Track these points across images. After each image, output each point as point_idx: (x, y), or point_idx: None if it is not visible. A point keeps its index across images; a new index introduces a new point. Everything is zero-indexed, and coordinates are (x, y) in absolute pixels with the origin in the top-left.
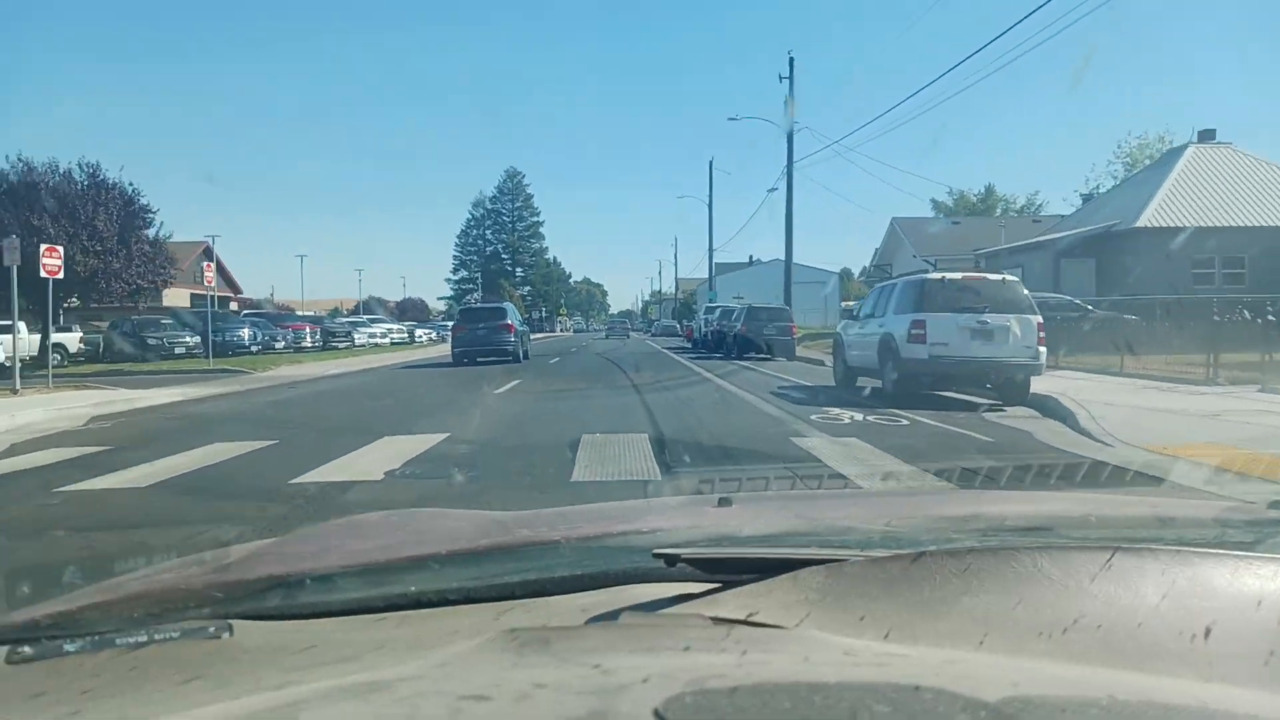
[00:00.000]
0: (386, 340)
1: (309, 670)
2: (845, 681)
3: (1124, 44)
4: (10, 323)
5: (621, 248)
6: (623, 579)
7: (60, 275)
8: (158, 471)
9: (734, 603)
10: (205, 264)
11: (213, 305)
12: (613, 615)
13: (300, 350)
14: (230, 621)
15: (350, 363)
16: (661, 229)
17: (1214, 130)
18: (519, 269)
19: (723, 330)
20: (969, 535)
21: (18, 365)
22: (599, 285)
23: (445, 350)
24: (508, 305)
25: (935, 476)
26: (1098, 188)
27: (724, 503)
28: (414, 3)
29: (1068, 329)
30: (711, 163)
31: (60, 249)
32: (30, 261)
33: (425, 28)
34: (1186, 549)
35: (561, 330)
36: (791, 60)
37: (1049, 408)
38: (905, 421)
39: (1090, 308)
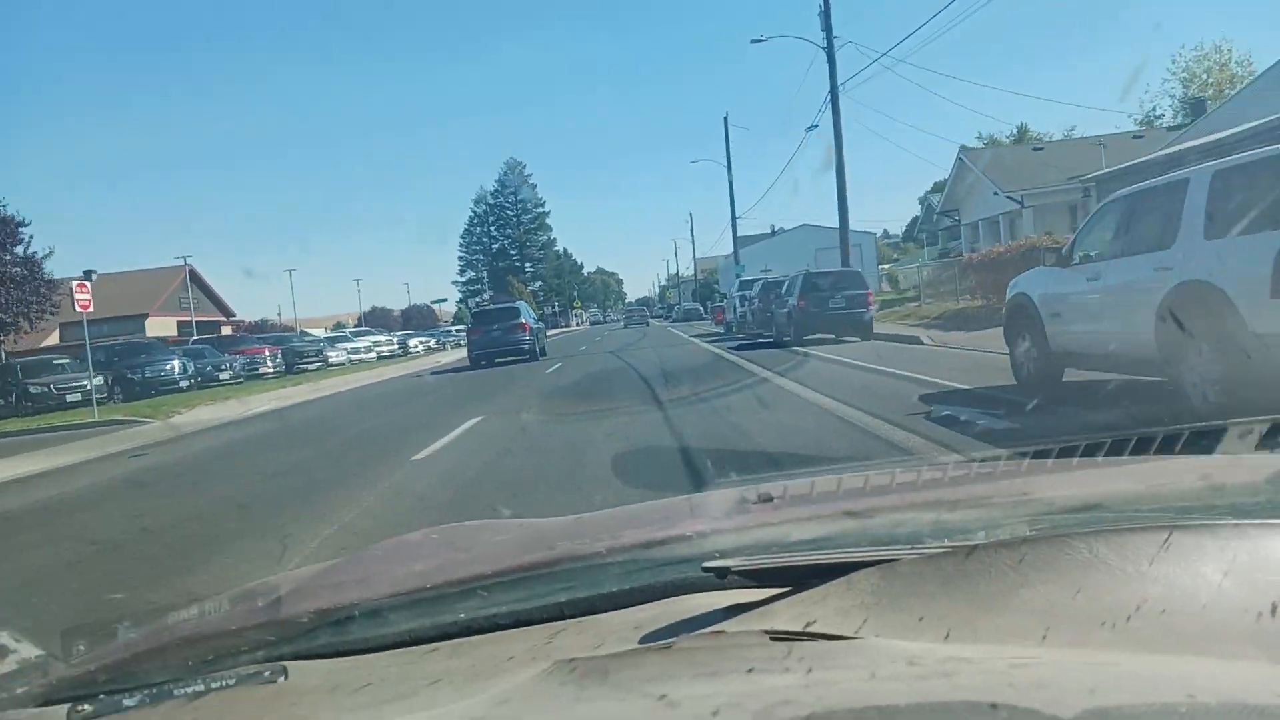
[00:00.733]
0: (372, 354)
1: (369, 710)
2: (918, 703)
3: None
4: None
5: (634, 236)
6: (672, 590)
7: None
8: None
9: (789, 613)
10: (76, 283)
11: (195, 331)
12: (666, 632)
13: (255, 379)
14: (284, 664)
15: (303, 391)
16: (674, 211)
17: None
18: (528, 264)
19: (767, 309)
20: (1019, 521)
21: None
22: (613, 274)
23: (440, 360)
24: (521, 304)
25: None
26: (1154, 110)
27: (764, 499)
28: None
29: None
30: (727, 119)
31: None
32: None
33: (418, 24)
34: (1245, 522)
35: (577, 324)
36: None
37: None
38: None
39: None
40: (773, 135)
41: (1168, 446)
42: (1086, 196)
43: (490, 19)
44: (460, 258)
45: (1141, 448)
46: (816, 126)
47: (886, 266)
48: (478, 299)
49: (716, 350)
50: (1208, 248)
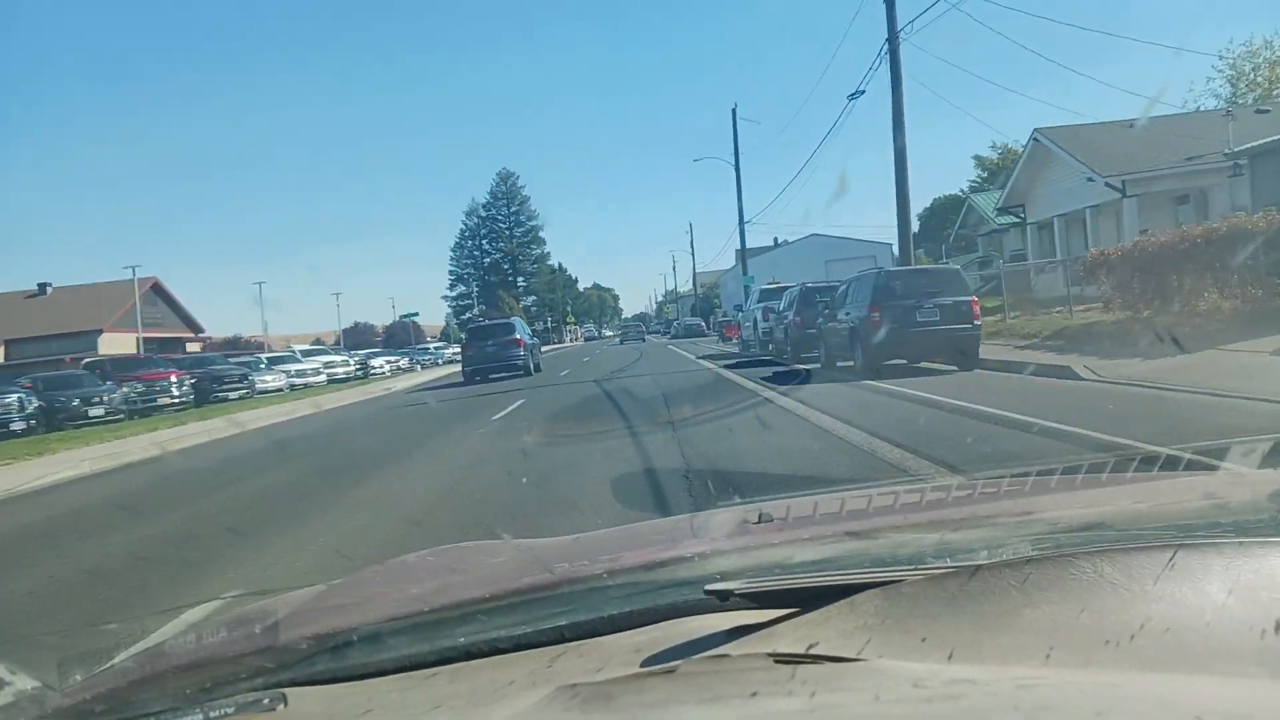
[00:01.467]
0: (321, 378)
1: None
2: None
3: None
4: None
5: (630, 253)
6: (674, 613)
7: None
8: None
9: (792, 635)
10: None
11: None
12: (669, 655)
13: (149, 412)
14: (283, 690)
15: (178, 435)
16: (671, 227)
17: None
18: (520, 278)
19: (808, 324)
20: (1023, 540)
21: None
22: (609, 290)
23: (403, 384)
24: (516, 320)
25: None
26: (1198, 110)
27: (766, 519)
28: (400, 19)
29: None
30: (735, 110)
31: None
32: None
33: (407, 33)
34: (1249, 540)
35: (570, 340)
36: None
37: None
38: None
39: None
40: (777, 143)
41: (1171, 464)
42: (1237, 175)
43: (484, 30)
44: (451, 272)
45: (1145, 466)
46: (863, 92)
47: None
48: (468, 314)
49: (740, 379)
50: None
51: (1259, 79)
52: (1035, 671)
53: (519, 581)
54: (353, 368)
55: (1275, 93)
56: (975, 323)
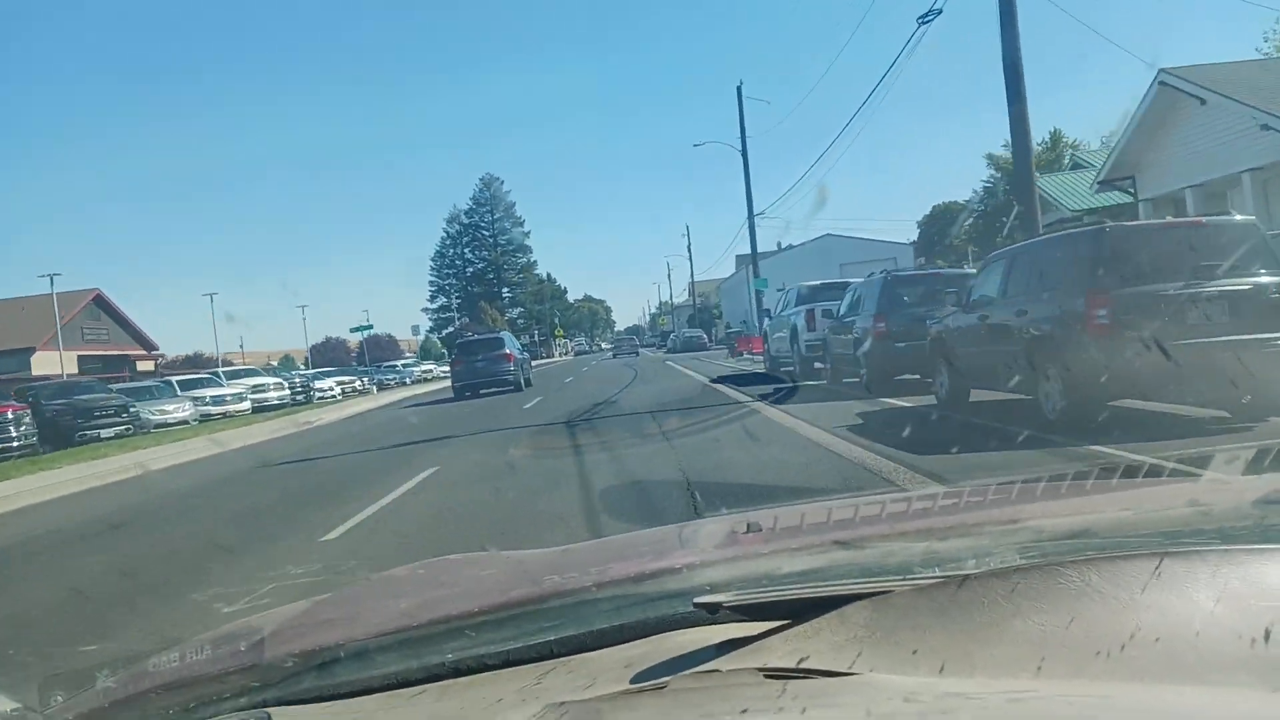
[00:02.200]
0: (244, 405)
1: None
2: None
3: None
4: None
5: (622, 265)
6: (664, 626)
7: None
8: None
9: (783, 648)
10: None
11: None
12: (659, 670)
13: None
14: (268, 710)
15: None
16: (664, 238)
17: None
18: (506, 289)
19: (900, 336)
20: (1010, 549)
21: None
22: (601, 301)
23: (335, 415)
24: (505, 334)
25: None
26: None
27: (753, 528)
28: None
29: None
30: (740, 88)
31: None
32: None
33: (396, 42)
34: (1234, 548)
35: (560, 354)
36: None
37: None
38: None
39: None
40: (779, 140)
41: (1155, 472)
42: None
43: (469, 44)
44: (431, 282)
45: (1129, 473)
46: (939, 11)
47: None
48: (449, 329)
49: (848, 445)
50: None
51: None
52: (1027, 684)
53: (507, 595)
54: (287, 391)
55: None
56: None
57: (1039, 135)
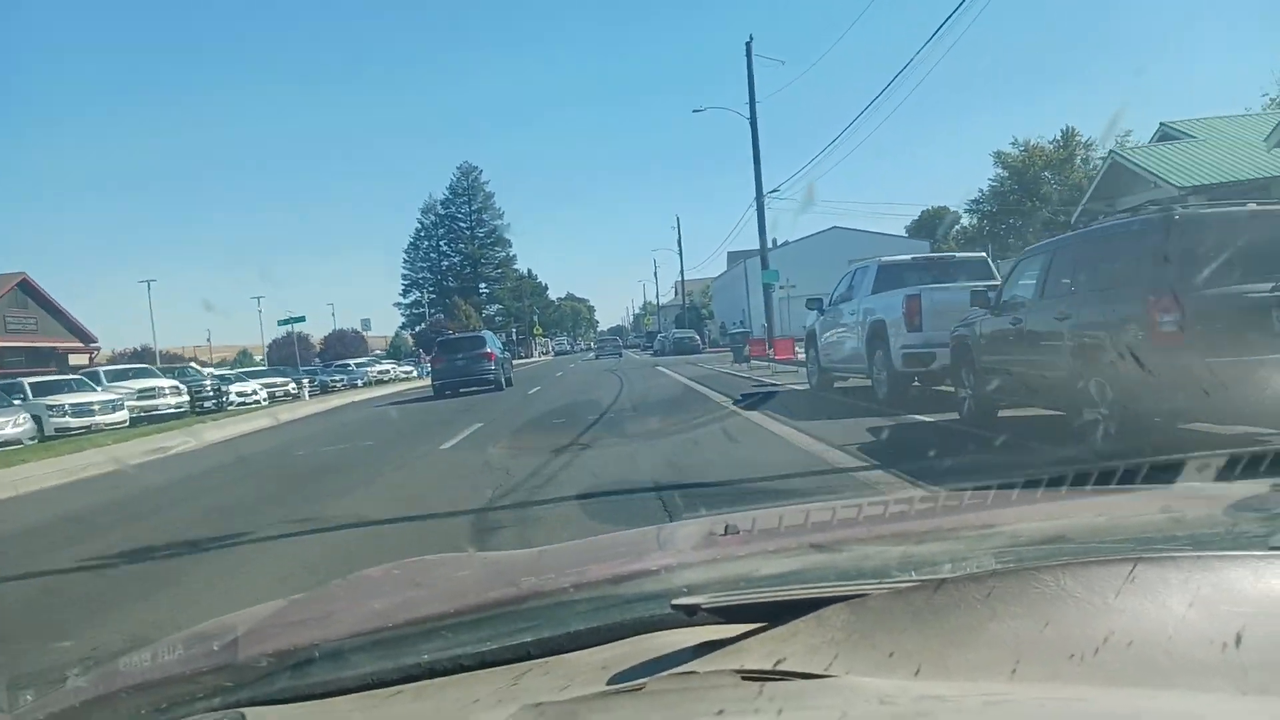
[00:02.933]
0: (120, 416)
1: None
2: None
3: None
4: None
5: (606, 264)
6: (641, 628)
7: None
8: None
9: (760, 650)
10: None
11: None
12: (635, 672)
13: None
14: (242, 710)
15: None
16: (651, 238)
17: None
18: (483, 284)
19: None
20: (986, 553)
21: None
22: (584, 300)
23: (235, 430)
24: (486, 333)
25: None
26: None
27: (730, 530)
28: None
29: None
30: (750, 44)
31: None
32: None
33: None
34: (1207, 554)
35: (540, 354)
36: None
37: None
38: None
39: None
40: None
41: (1129, 478)
42: None
43: (453, 36)
44: (404, 276)
45: (1103, 480)
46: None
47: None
48: (421, 325)
49: None
50: None
51: None
52: (1002, 687)
53: (484, 596)
54: (186, 398)
55: None
56: None
57: (1050, 133)
